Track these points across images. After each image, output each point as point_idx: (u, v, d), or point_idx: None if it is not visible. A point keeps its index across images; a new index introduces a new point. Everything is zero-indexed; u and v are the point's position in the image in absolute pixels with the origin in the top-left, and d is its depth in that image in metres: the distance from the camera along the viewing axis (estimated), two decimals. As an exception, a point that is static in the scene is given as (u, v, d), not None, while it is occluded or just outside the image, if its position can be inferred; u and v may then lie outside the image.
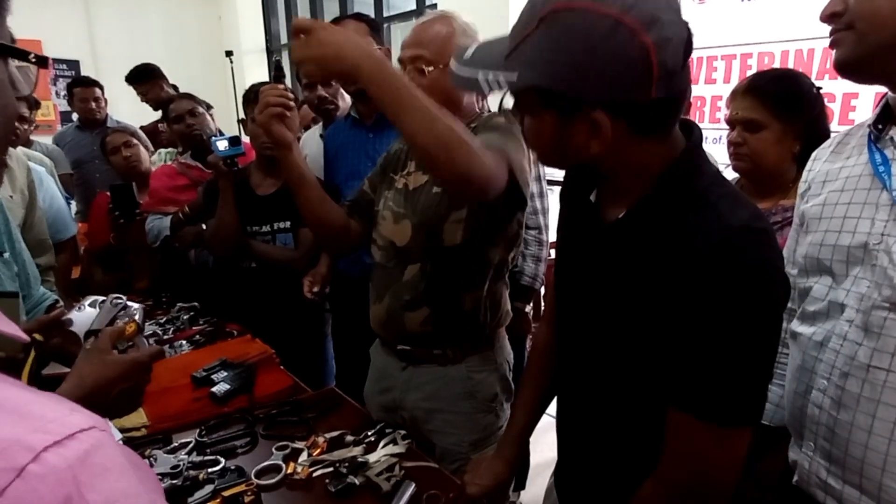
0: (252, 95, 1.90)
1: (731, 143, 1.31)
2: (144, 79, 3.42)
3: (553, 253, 2.22)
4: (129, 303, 0.97)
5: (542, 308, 2.82)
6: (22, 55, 0.36)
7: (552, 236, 2.00)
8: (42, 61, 0.37)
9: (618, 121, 0.67)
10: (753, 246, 0.65)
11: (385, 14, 4.38)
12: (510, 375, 1.36)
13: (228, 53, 5.04)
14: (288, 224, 1.90)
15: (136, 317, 0.95)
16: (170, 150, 2.74)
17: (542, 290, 2.83)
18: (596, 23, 0.62)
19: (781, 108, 1.24)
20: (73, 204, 3.32)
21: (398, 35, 4.52)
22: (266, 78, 5.74)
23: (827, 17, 0.80)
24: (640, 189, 0.73)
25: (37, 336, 0.82)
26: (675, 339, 0.69)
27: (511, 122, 1.16)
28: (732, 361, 0.67)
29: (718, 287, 0.64)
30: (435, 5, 3.81)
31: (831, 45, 0.81)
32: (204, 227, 2.13)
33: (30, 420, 0.27)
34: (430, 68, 1.18)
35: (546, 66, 0.66)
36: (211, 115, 2.41)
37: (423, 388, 1.29)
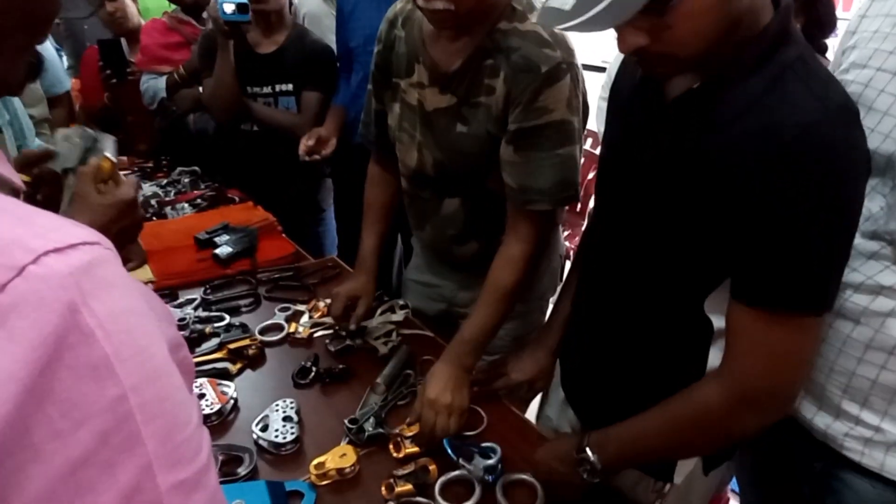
0: None
1: None
2: None
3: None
4: (100, 133, 0.92)
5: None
6: None
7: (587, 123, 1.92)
8: None
9: None
10: (848, 127, 0.62)
11: None
12: (560, 270, 1.30)
13: None
14: (290, 87, 1.81)
15: (108, 152, 0.91)
16: None
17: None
18: None
19: None
20: (64, 57, 3.16)
21: None
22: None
23: None
24: (721, 53, 0.65)
25: (24, 177, 0.80)
26: (746, 223, 0.65)
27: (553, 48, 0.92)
28: (816, 245, 0.63)
29: (808, 167, 0.60)
30: None
31: None
32: (201, 89, 2.04)
33: (31, 227, 0.27)
34: None
35: None
36: None
37: (475, 288, 1.18)
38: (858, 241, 0.75)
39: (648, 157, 0.75)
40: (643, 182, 0.76)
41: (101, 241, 0.28)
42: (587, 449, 0.81)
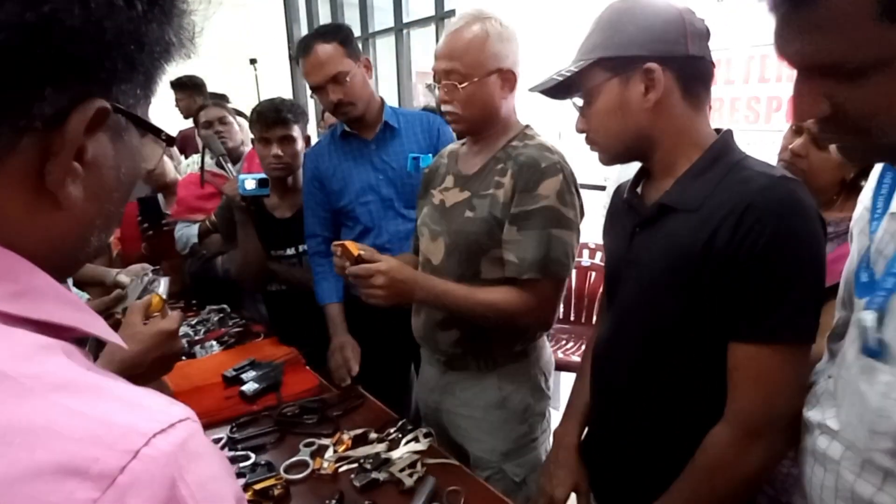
0: (255, 115, 1.82)
1: (790, 151, 1.23)
2: (187, 89, 3.50)
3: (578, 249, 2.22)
4: (156, 275, 1.02)
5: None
6: (155, 132, 0.42)
7: (594, 237, 2.02)
8: (170, 141, 0.43)
9: (667, 70, 0.83)
10: (791, 188, 0.77)
11: (404, 20, 4.45)
12: (547, 385, 1.35)
13: (252, 61, 5.15)
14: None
15: (160, 289, 1.00)
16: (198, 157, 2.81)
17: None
18: (641, 2, 0.85)
19: None
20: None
21: (417, 41, 4.61)
22: (289, 85, 5.85)
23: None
24: (680, 168, 0.87)
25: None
26: (730, 274, 0.77)
27: (551, 154, 1.17)
28: (785, 284, 0.75)
29: (766, 221, 0.75)
30: (453, 11, 3.85)
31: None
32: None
33: (141, 410, 0.32)
34: (465, 84, 1.15)
35: (606, 42, 0.86)
36: (239, 124, 2.48)
37: (458, 394, 1.33)
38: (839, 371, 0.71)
39: (646, 253, 0.89)
40: (645, 275, 0.89)
41: (191, 415, 0.33)
42: None
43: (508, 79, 1.19)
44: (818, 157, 1.19)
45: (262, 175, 1.77)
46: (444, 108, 1.22)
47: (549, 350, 1.38)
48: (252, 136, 1.96)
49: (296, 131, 1.82)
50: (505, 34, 1.17)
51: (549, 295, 1.18)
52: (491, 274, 1.20)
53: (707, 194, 0.82)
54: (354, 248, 1.16)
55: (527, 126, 1.26)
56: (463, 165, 1.29)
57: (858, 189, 0.92)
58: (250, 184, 1.73)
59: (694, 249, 0.81)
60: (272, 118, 1.78)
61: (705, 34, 0.86)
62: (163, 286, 1.04)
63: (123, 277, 1.06)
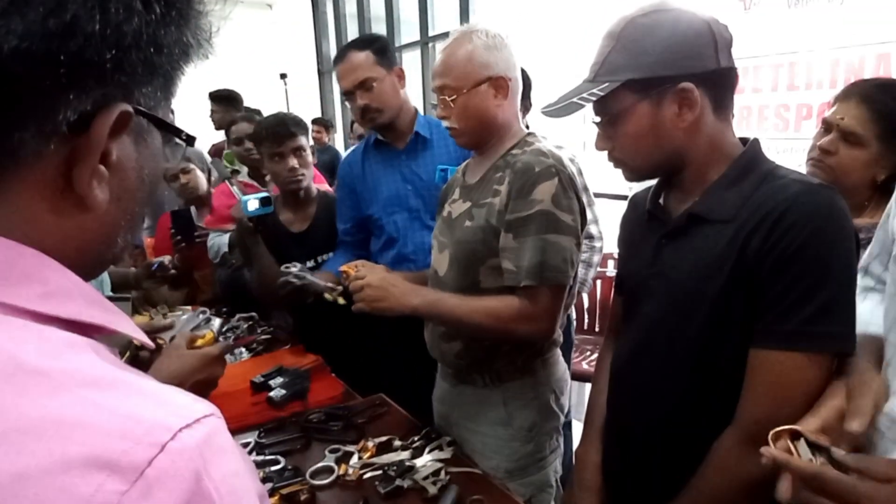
0: (263, 133, 1.81)
1: (819, 148, 1.19)
2: (223, 102, 3.58)
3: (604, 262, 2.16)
4: (213, 317, 1.09)
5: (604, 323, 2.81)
6: (176, 133, 0.43)
7: (609, 244, 1.98)
8: (191, 140, 0.44)
9: (700, 87, 0.81)
10: (829, 195, 0.77)
11: (430, 34, 4.51)
12: (559, 405, 1.32)
13: (283, 76, 5.27)
14: (332, 255, 1.87)
15: (214, 328, 1.07)
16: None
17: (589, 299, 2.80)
18: (665, 15, 0.82)
19: (890, 131, 1.11)
20: (146, 219, 3.53)
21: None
22: (317, 99, 5.97)
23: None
24: (710, 179, 0.86)
25: (135, 341, 0.92)
26: (755, 288, 0.77)
27: (546, 157, 1.14)
28: (806, 291, 0.74)
29: (801, 225, 0.74)
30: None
31: None
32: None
33: (167, 405, 0.33)
34: (454, 97, 1.18)
35: (634, 62, 0.82)
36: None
37: (466, 407, 1.33)
38: None
39: (676, 264, 0.88)
40: (675, 287, 0.88)
41: (215, 411, 0.34)
42: None
43: (501, 86, 1.19)
44: (848, 154, 1.15)
45: (264, 194, 1.76)
46: (443, 123, 1.23)
47: (563, 367, 1.35)
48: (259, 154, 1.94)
49: (304, 142, 1.83)
50: (492, 43, 1.18)
51: (548, 303, 1.14)
52: (490, 283, 1.19)
53: (742, 204, 0.81)
54: (350, 268, 1.26)
55: (529, 133, 1.25)
56: (469, 176, 1.30)
57: (891, 192, 0.89)
58: (253, 204, 1.71)
59: (730, 259, 0.79)
60: (283, 132, 1.77)
61: (731, 42, 0.84)
62: (216, 326, 1.12)
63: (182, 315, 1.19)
